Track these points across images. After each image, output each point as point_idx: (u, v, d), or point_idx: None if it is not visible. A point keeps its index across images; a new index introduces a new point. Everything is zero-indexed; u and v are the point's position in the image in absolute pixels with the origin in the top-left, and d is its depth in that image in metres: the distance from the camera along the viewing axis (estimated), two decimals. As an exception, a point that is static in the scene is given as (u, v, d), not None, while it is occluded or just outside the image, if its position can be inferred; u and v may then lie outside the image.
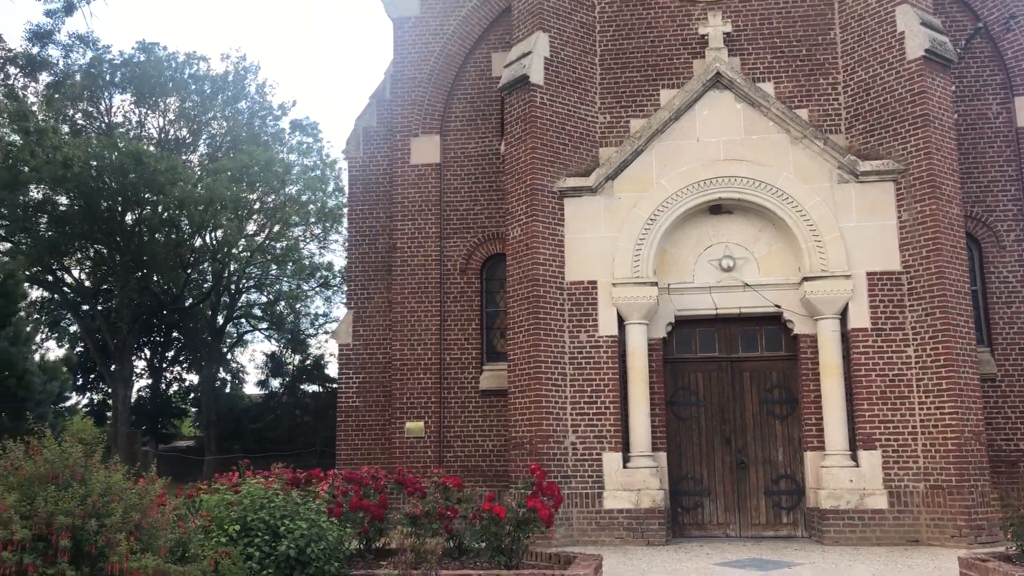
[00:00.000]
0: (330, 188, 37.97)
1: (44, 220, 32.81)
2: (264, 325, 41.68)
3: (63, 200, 31.95)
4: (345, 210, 38.63)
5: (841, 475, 12.18)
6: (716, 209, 13.36)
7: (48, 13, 16.12)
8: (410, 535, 7.24)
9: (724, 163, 13.13)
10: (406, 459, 14.33)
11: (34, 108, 18.69)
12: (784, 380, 13.22)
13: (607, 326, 12.95)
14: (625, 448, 12.79)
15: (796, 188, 12.88)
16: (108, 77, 33.38)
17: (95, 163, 29.37)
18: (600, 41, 14.03)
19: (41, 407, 9.23)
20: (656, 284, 12.95)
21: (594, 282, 13.10)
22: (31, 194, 31.19)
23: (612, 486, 12.57)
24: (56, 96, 16.45)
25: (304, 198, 36.05)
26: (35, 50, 15.97)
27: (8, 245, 31.89)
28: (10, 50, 15.79)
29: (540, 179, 13.20)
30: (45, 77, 16.44)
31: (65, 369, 24.51)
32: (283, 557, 7.43)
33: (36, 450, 7.00)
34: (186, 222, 31.15)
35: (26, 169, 22.37)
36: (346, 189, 38.65)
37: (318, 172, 37.51)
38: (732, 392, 13.29)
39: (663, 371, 13.19)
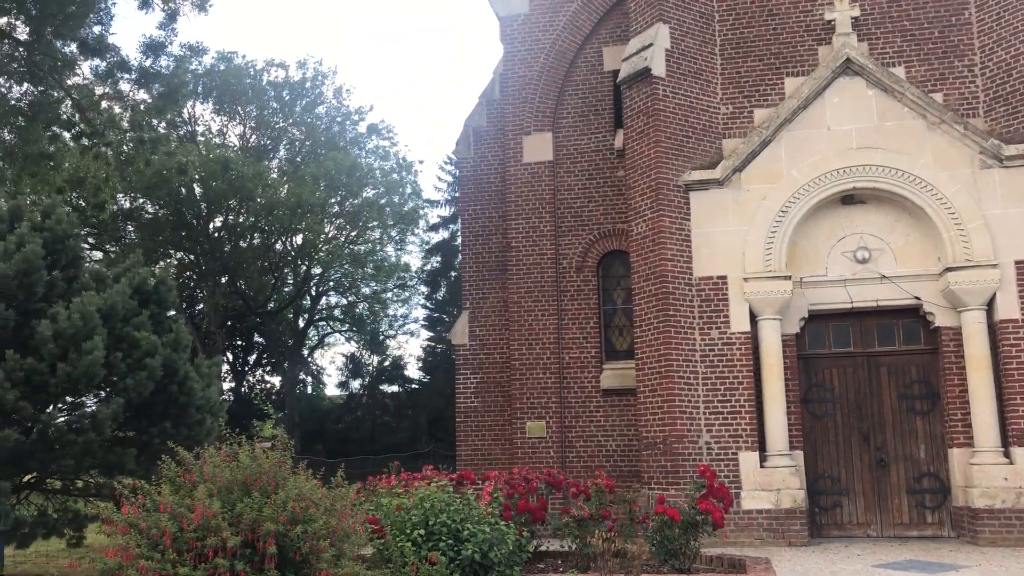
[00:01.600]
0: (407, 191, 38.16)
1: (131, 228, 33.62)
2: (344, 327, 42.05)
3: (150, 208, 32.70)
4: (421, 212, 39.04)
5: (994, 472, 11.69)
6: (848, 199, 12.94)
7: (161, 25, 16.30)
8: (610, 539, 7.05)
9: (857, 151, 12.72)
10: (528, 460, 14.18)
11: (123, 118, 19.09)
12: (924, 375, 12.75)
13: (739, 322, 12.64)
14: (760, 447, 12.47)
15: (935, 175, 12.41)
16: (191, 86, 33.98)
17: (174, 172, 29.94)
18: (719, 31, 13.71)
19: (201, 412, 9.26)
20: (790, 278, 12.60)
21: (724, 277, 12.80)
22: (120, 203, 31.96)
23: (750, 486, 12.26)
24: (166, 106, 16.67)
25: (383, 201, 36.27)
26: (148, 62, 16.14)
27: (99, 254, 32.76)
28: (125, 61, 15.98)
29: (665, 173, 12.94)
30: (157, 88, 16.56)
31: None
32: (467, 561, 7.31)
33: (228, 456, 7.01)
34: (273, 227, 31.53)
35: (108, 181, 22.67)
36: (422, 192, 39.01)
37: (395, 175, 37.70)
38: (869, 388, 12.87)
39: (796, 367, 12.83)
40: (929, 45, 13.08)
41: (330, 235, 35.48)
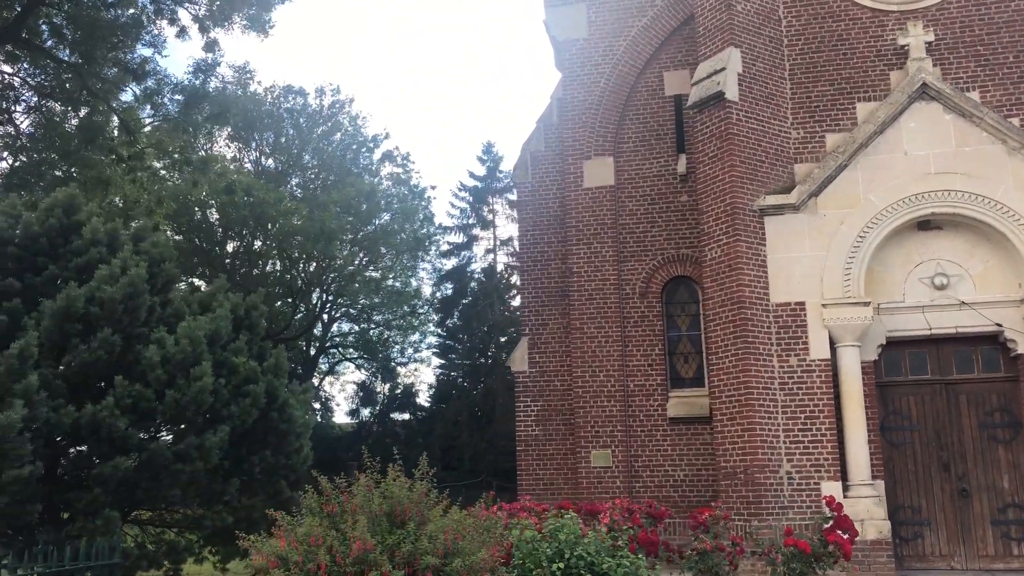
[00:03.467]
0: (419, 217, 38.00)
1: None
2: (355, 355, 41.59)
3: (168, 234, 32.32)
4: (433, 238, 38.85)
5: (1086, 503, 11.48)
6: (924, 224, 12.81)
7: (207, 47, 16.09)
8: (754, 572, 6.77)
9: (935, 176, 12.60)
10: (593, 490, 13.85)
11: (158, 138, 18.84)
12: (1005, 403, 12.55)
13: (819, 349, 12.43)
14: (842, 477, 12.21)
15: (1017, 201, 12.30)
16: (207, 111, 33.78)
17: (192, 196, 29.68)
18: (789, 55, 13.63)
19: (299, 440, 8.94)
20: (869, 304, 12.41)
21: (802, 303, 12.60)
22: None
23: (833, 517, 11.96)
24: (215, 125, 16.45)
25: (395, 227, 36.06)
26: (197, 83, 15.92)
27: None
28: (175, 84, 15.77)
29: (740, 197, 12.78)
30: (206, 108, 16.34)
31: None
32: (609, 597, 7.00)
33: (369, 486, 6.70)
34: (293, 254, 31.25)
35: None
36: (434, 219, 38.80)
37: (409, 202, 37.54)
38: (948, 416, 12.65)
39: (874, 395, 12.61)
40: (1004, 70, 13.02)
41: (344, 262, 35.18)
